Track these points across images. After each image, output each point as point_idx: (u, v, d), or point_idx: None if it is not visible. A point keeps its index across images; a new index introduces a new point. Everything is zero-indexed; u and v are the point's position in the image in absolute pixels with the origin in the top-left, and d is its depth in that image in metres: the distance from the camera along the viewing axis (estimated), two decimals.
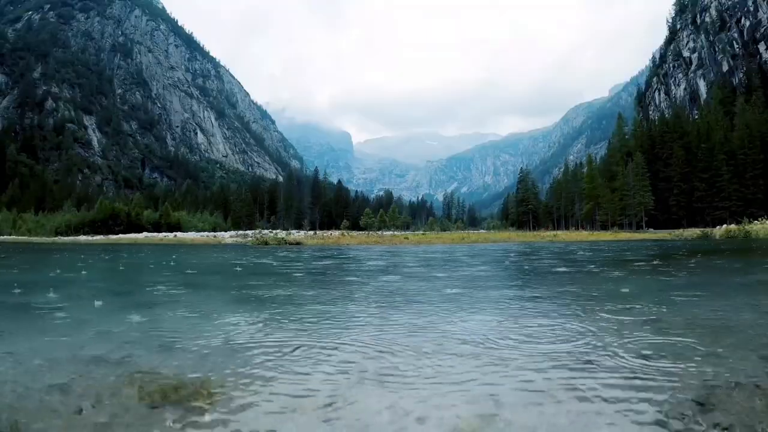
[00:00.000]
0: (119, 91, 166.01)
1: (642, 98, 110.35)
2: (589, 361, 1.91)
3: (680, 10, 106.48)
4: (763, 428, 1.26)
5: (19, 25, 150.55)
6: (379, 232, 43.24)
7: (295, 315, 3.17)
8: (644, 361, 1.90)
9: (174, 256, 12.60)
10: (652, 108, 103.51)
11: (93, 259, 11.61)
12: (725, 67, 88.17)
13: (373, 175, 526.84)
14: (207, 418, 1.35)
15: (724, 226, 27.24)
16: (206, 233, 44.52)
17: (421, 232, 54.25)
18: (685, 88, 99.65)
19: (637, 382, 1.64)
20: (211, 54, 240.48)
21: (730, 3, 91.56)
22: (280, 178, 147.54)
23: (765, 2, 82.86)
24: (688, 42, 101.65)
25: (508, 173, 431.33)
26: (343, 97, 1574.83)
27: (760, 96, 64.63)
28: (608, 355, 2.00)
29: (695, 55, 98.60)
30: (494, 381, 1.69)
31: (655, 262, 8.29)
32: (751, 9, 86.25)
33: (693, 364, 1.84)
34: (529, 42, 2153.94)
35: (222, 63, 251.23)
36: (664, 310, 3.14)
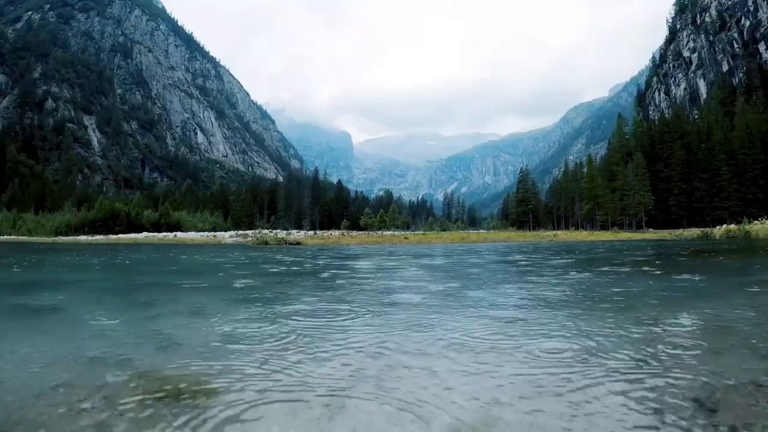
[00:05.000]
0: (119, 91, 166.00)
1: (642, 98, 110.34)
2: (589, 361, 1.91)
3: (680, 10, 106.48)
4: (763, 428, 1.26)
5: (19, 25, 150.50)
6: (379, 232, 43.23)
7: (294, 314, 3.16)
8: (643, 361, 1.89)
9: (180, 256, 12.59)
10: (652, 108, 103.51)
11: (98, 259, 11.60)
12: (725, 67, 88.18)
13: (373, 175, 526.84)
14: (207, 417, 1.36)
15: (724, 226, 27.24)
16: (206, 233, 44.50)
17: (421, 232, 54.25)
18: (685, 88, 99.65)
19: (637, 381, 1.63)
20: (211, 54, 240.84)
21: (730, 3, 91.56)
22: (280, 178, 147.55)
23: (765, 2, 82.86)
24: (688, 42, 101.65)
25: (508, 173, 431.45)
26: (343, 97, 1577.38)
27: (760, 96, 64.66)
28: (607, 355, 2.00)
29: (695, 55, 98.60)
30: (493, 380, 1.68)
31: (654, 262, 8.29)
32: (751, 9, 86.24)
33: (693, 364, 1.84)
34: (529, 42, 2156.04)
35: (222, 63, 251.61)
36: (664, 309, 3.14)
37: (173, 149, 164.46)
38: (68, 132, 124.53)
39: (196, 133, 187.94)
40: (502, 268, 8.22)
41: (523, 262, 9.19)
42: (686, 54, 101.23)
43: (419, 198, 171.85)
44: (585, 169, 66.83)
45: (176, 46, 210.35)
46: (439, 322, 2.83)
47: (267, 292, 4.74)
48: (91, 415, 1.39)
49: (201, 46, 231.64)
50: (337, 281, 5.76)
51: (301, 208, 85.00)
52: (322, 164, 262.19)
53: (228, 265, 9.47)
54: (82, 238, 42.44)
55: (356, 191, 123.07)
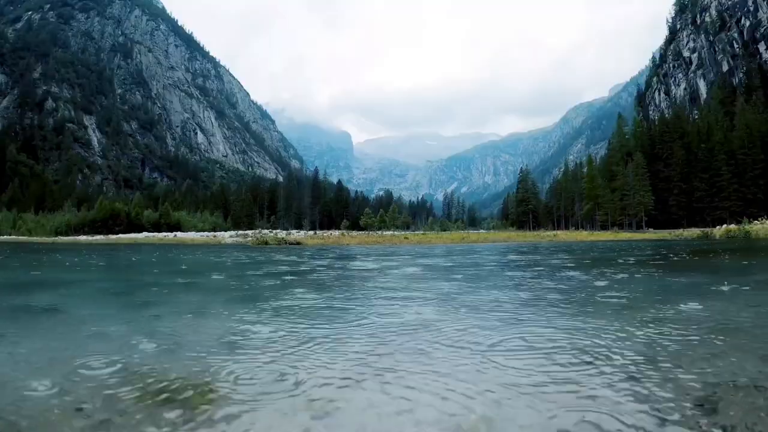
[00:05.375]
0: (119, 91, 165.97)
1: (642, 98, 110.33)
2: (589, 361, 1.91)
3: (680, 10, 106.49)
4: (763, 428, 1.26)
5: (19, 25, 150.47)
6: (379, 232, 43.23)
7: (294, 314, 3.16)
8: (643, 361, 1.89)
9: (180, 257, 12.58)
10: (652, 108, 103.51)
11: (97, 259, 11.60)
12: (725, 67, 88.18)
13: (373, 175, 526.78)
14: (207, 417, 1.36)
15: (724, 226, 27.22)
16: (206, 233, 44.51)
17: (421, 232, 54.24)
18: (685, 88, 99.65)
19: (637, 381, 1.63)
20: (211, 54, 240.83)
21: (730, 3, 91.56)
22: (280, 178, 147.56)
23: (765, 2, 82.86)
24: (688, 42, 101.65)
25: (508, 173, 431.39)
26: (343, 97, 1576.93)
27: (760, 96, 64.67)
28: (607, 355, 1.99)
29: (695, 55, 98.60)
30: (494, 381, 1.69)
31: (654, 263, 8.29)
32: (751, 9, 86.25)
33: (693, 364, 1.84)
34: (529, 42, 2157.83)
35: (222, 63, 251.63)
36: (664, 309, 3.14)
37: (173, 149, 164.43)
38: (68, 132, 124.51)
39: (196, 133, 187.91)
40: (502, 268, 8.22)
41: (523, 263, 9.20)
42: (686, 54, 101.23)
43: (419, 198, 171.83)
44: (585, 169, 66.84)
45: (176, 46, 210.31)
46: (440, 323, 2.83)
47: (266, 292, 4.74)
48: (90, 415, 1.38)
49: (201, 46, 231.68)
50: (337, 282, 5.77)
51: (301, 208, 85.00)
52: (322, 164, 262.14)
53: (228, 266, 9.47)
54: (82, 238, 42.44)
55: (356, 191, 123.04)
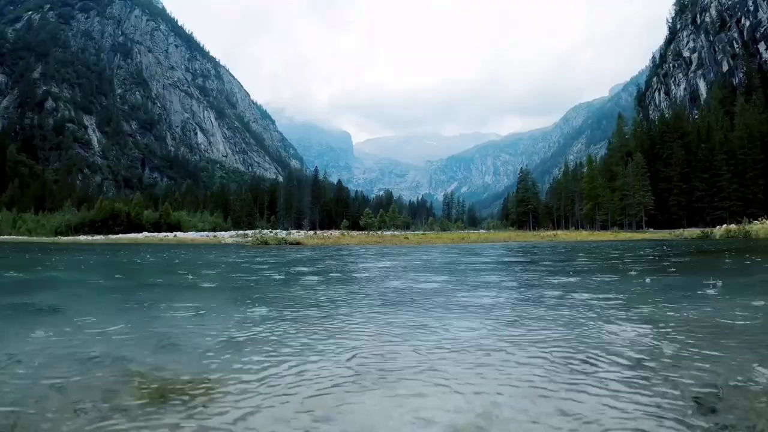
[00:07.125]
0: (119, 91, 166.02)
1: (642, 98, 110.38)
2: (589, 361, 1.90)
3: (680, 10, 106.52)
4: (764, 428, 1.26)
5: (19, 25, 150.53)
6: (379, 232, 43.19)
7: (295, 314, 3.16)
8: (643, 361, 1.89)
9: (180, 256, 12.57)
10: (652, 108, 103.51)
11: (98, 259, 11.59)
12: (725, 67, 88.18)
13: (373, 175, 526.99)
14: (207, 418, 1.36)
15: (724, 226, 27.21)
16: (206, 233, 44.56)
17: (421, 232, 54.23)
18: (685, 88, 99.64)
19: (637, 382, 1.63)
20: (211, 54, 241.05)
21: (730, 3, 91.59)
22: (280, 178, 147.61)
23: (765, 2, 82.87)
24: (688, 42, 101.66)
25: (508, 173, 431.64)
26: (343, 97, 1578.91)
27: (760, 96, 64.72)
28: (607, 355, 1.99)
29: (695, 55, 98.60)
30: (493, 381, 1.68)
31: (654, 262, 8.29)
32: (751, 9, 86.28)
33: (693, 364, 1.83)
34: (529, 42, 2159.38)
35: (222, 63, 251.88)
36: (663, 309, 3.13)
37: (173, 149, 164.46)
38: (68, 132, 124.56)
39: (196, 133, 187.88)
40: (502, 267, 8.22)
41: (522, 262, 9.20)
42: (686, 54, 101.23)
43: (419, 198, 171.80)
44: (585, 169, 66.90)
45: (176, 46, 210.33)
46: (439, 323, 2.83)
47: (266, 292, 4.74)
48: (90, 416, 1.38)
49: (201, 46, 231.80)
50: (337, 282, 5.76)
51: (301, 208, 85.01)
52: (322, 164, 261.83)
53: (227, 266, 9.47)
54: (82, 238, 42.47)
55: (356, 191, 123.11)
